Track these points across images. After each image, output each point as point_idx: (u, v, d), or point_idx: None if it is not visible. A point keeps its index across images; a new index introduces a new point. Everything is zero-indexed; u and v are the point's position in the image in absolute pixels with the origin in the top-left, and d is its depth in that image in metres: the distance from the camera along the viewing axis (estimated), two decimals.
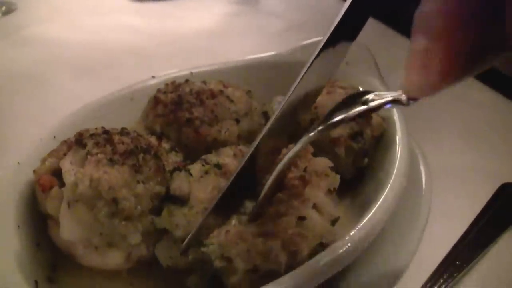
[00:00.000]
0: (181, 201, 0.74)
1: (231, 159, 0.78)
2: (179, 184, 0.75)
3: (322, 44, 0.58)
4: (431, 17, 0.39)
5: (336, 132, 0.87)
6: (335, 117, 0.59)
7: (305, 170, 0.75)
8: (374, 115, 0.89)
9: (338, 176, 0.76)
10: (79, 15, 1.81)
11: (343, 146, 0.85)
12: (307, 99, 0.66)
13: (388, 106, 0.55)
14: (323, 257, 0.65)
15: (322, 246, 0.68)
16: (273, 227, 0.67)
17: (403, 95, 0.50)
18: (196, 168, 0.77)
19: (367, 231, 0.69)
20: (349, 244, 0.66)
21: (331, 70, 0.64)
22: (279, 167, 0.69)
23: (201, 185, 0.74)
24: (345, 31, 0.59)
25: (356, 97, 0.59)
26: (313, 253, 0.67)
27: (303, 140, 0.64)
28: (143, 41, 1.62)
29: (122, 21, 1.76)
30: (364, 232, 0.68)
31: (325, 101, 0.88)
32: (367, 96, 0.59)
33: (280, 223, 0.68)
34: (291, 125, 0.68)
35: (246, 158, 0.66)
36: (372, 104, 0.56)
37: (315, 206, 0.70)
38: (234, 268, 0.66)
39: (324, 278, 0.65)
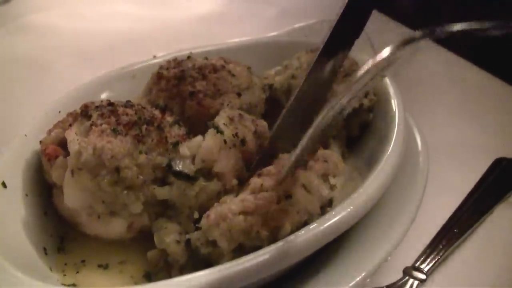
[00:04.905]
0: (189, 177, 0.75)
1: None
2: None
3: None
4: None
5: None
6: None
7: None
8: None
9: (342, 165, 0.76)
10: (77, 4, 1.82)
11: None
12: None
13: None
14: (303, 233, 0.64)
15: (307, 223, 0.68)
16: (253, 203, 0.67)
17: None
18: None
19: (368, 198, 0.71)
20: (338, 217, 0.67)
21: None
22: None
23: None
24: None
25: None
26: (298, 229, 0.66)
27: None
28: (141, 28, 1.63)
29: (119, 10, 1.78)
30: (361, 203, 0.70)
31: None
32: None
33: (261, 198, 0.68)
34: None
35: None
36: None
37: (304, 186, 0.70)
38: (220, 251, 0.66)
39: (304, 254, 0.65)
